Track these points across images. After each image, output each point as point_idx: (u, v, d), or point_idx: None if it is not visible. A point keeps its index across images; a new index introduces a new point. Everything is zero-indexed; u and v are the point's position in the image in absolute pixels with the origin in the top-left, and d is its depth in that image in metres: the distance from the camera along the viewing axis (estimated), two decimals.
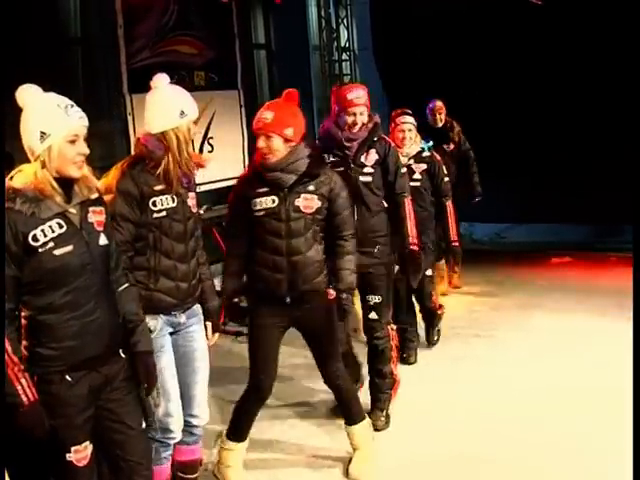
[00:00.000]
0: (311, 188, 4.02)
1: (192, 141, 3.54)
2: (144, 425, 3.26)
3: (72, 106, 2.93)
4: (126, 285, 3.21)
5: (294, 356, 5.67)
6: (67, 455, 2.92)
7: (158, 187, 3.46)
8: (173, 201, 3.49)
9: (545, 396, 5.14)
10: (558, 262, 9.27)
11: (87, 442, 2.98)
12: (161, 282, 3.50)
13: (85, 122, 2.96)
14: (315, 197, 4.02)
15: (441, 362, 5.95)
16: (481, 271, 8.68)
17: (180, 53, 8.77)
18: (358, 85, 5.00)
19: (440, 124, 7.81)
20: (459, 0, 9.77)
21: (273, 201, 3.97)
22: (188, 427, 3.70)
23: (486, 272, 8.69)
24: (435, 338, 6.45)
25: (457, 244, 6.22)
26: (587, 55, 9.24)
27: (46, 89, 2.96)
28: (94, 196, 3.04)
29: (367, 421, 4.40)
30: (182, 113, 3.46)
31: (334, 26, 11.09)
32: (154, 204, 3.46)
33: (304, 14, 10.96)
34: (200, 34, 9.01)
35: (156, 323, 3.50)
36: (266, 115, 3.95)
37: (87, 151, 2.95)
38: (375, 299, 4.81)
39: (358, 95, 4.72)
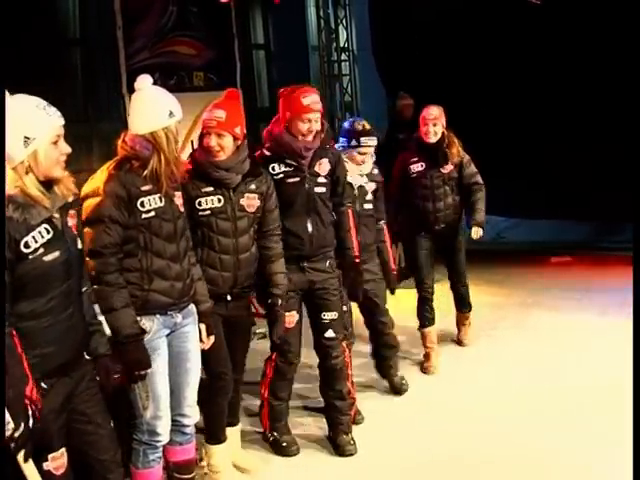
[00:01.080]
0: (252, 187, 4.06)
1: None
2: (112, 425, 3.21)
3: (48, 105, 2.86)
4: (86, 288, 3.15)
5: None
6: (44, 464, 2.84)
7: (145, 187, 3.43)
8: (161, 201, 3.47)
9: (545, 395, 5.13)
10: (558, 261, 9.27)
11: (63, 449, 2.92)
12: (155, 282, 3.48)
13: (62, 120, 2.89)
14: (256, 196, 4.07)
15: (440, 361, 5.93)
16: (481, 270, 8.64)
17: (179, 54, 8.79)
18: (311, 88, 4.55)
19: (434, 139, 5.81)
20: (458, 0, 9.78)
21: (219, 200, 3.96)
22: (179, 426, 3.67)
23: (486, 271, 8.67)
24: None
25: (394, 271, 5.40)
26: (587, 52, 9.28)
27: (46, 90, 2.95)
28: (71, 198, 3.00)
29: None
30: (171, 113, 3.47)
31: (333, 26, 11.11)
32: (142, 204, 3.43)
33: (303, 14, 10.98)
34: (199, 35, 9.02)
35: (152, 324, 3.48)
36: (219, 114, 3.93)
37: (69, 150, 2.90)
38: (331, 315, 4.53)
39: (314, 100, 4.36)
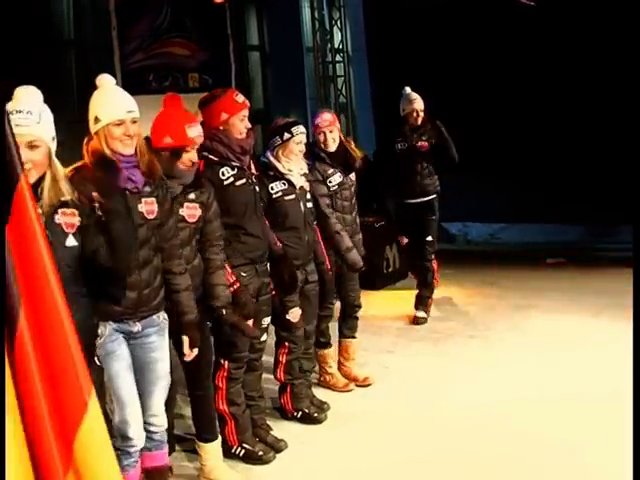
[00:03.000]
0: (192, 197, 3.90)
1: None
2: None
3: (20, 112, 2.86)
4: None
5: None
6: None
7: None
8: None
9: (540, 396, 5.13)
10: (552, 263, 9.28)
11: None
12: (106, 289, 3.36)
13: (23, 130, 2.84)
14: (197, 205, 3.91)
15: (435, 362, 5.94)
16: (475, 272, 8.69)
17: (174, 55, 8.80)
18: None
19: (334, 147, 5.31)
20: (453, 2, 9.80)
21: None
22: (146, 433, 3.60)
23: (480, 273, 8.70)
24: None
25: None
26: (580, 54, 9.31)
27: (40, 91, 2.95)
28: (65, 198, 2.98)
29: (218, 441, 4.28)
30: (129, 112, 3.43)
31: (327, 28, 11.11)
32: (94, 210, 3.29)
33: (297, 16, 10.99)
34: (194, 36, 9.03)
35: (104, 329, 3.40)
36: (199, 129, 3.86)
37: (30, 158, 2.86)
38: (268, 320, 4.54)
39: (244, 98, 4.35)
